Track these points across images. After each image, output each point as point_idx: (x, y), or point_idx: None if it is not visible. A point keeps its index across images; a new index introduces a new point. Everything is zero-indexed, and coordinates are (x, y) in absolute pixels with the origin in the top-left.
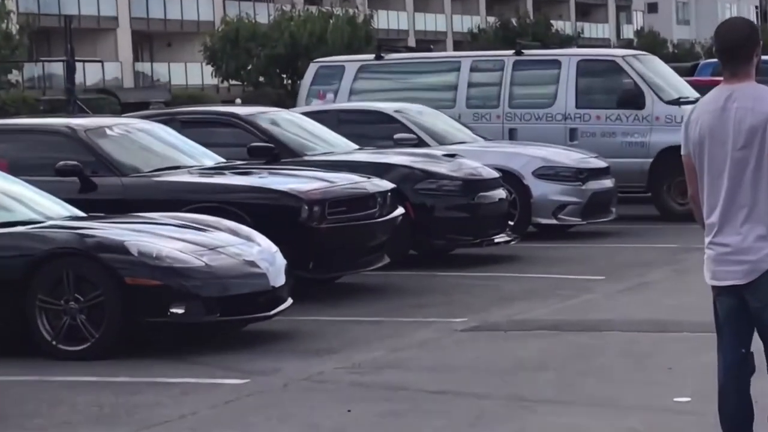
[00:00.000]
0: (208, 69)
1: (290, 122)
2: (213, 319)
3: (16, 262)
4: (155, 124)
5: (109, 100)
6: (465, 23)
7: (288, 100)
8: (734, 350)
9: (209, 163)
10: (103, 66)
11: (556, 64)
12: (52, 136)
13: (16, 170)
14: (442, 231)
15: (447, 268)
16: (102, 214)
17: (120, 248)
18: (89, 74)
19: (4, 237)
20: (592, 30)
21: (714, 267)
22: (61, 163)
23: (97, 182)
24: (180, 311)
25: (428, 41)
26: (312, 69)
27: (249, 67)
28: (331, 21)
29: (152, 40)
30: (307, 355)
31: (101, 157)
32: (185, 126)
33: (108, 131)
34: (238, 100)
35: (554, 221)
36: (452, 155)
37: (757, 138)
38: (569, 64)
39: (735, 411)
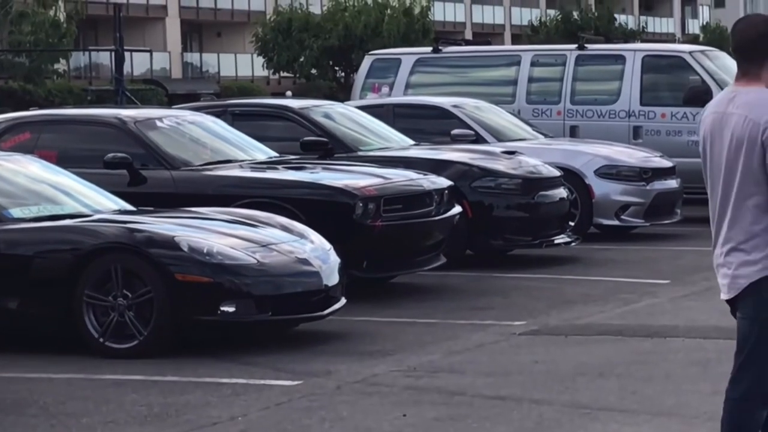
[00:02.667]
0: (259, 60)
1: (344, 116)
2: (264, 319)
3: (63, 256)
4: (206, 117)
5: (156, 91)
6: (524, 16)
7: (340, 93)
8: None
9: (261, 157)
10: (151, 56)
11: (620, 59)
12: (101, 127)
13: (64, 162)
14: (501, 231)
15: (505, 269)
16: (151, 209)
17: (170, 244)
18: (136, 64)
19: (52, 230)
20: (656, 24)
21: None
22: (110, 155)
23: (146, 175)
24: (230, 310)
25: (485, 34)
26: (367, 61)
27: (301, 59)
28: (386, 12)
29: (202, 29)
30: (361, 357)
31: (151, 150)
32: (237, 119)
33: (158, 123)
34: (289, 93)
35: (616, 222)
36: (512, 152)
37: (743, 149)
38: (634, 59)
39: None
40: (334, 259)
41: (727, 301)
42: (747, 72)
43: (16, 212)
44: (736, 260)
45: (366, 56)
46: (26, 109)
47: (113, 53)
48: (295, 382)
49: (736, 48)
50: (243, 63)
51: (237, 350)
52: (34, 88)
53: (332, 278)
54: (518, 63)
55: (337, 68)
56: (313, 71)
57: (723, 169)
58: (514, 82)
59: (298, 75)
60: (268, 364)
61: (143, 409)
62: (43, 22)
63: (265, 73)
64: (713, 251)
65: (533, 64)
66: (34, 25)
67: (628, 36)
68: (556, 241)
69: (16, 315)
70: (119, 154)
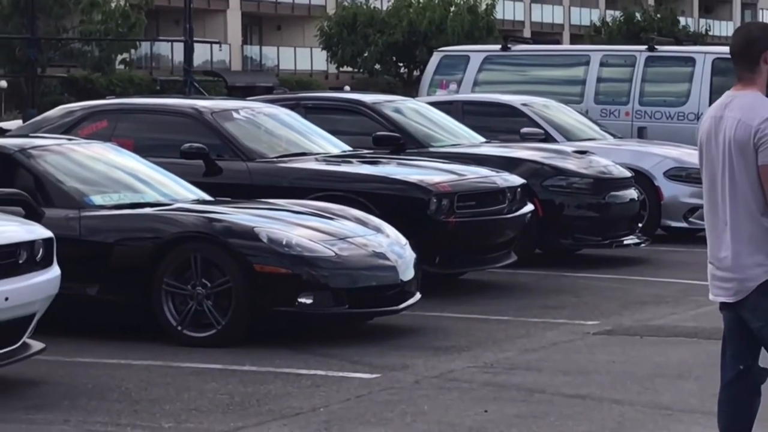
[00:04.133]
0: (318, 54)
1: (415, 112)
2: (341, 311)
3: (143, 244)
4: (281, 109)
5: (218, 83)
6: (583, 16)
7: (400, 89)
8: (732, 367)
9: (335, 150)
10: (213, 47)
11: (690, 61)
12: (178, 117)
13: (140, 150)
14: (571, 230)
15: (574, 268)
16: (229, 199)
17: (249, 234)
18: (197, 55)
19: (132, 218)
20: (716, 27)
21: (710, 281)
22: (187, 145)
23: (222, 166)
24: (308, 301)
25: (544, 33)
26: (435, 58)
27: (365, 54)
28: (451, 9)
29: (262, 22)
30: (436, 352)
31: (227, 141)
32: (309, 112)
33: (234, 114)
34: (347, 88)
35: (685, 224)
36: (583, 152)
37: (737, 153)
38: (704, 61)
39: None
40: (410, 254)
41: (727, 304)
42: (742, 77)
43: (96, 199)
44: (742, 263)
45: (435, 53)
46: (90, 98)
47: (181, 44)
48: (374, 375)
49: (731, 54)
50: (302, 57)
51: (311, 342)
52: (96, 78)
53: (408, 273)
54: (587, 63)
55: (400, 64)
56: (377, 66)
57: (720, 173)
58: (582, 82)
59: (362, 70)
60: (344, 357)
61: (225, 398)
62: (113, 11)
63: (324, 67)
64: (711, 253)
65: (602, 64)
66: (104, 14)
67: (694, 38)
68: (625, 242)
69: (95, 301)
70: (196, 144)
